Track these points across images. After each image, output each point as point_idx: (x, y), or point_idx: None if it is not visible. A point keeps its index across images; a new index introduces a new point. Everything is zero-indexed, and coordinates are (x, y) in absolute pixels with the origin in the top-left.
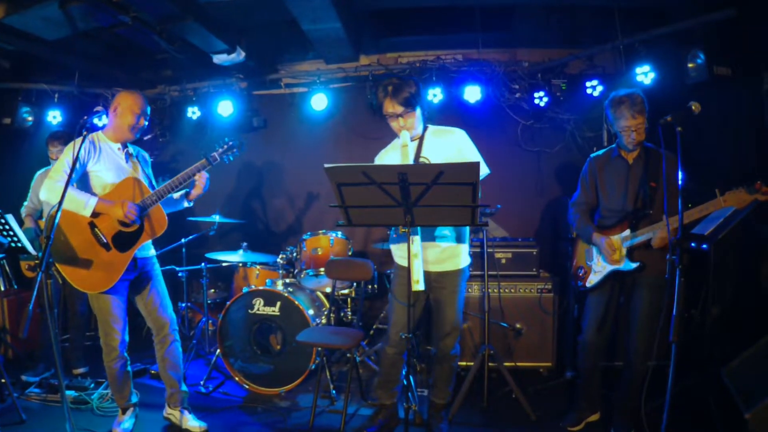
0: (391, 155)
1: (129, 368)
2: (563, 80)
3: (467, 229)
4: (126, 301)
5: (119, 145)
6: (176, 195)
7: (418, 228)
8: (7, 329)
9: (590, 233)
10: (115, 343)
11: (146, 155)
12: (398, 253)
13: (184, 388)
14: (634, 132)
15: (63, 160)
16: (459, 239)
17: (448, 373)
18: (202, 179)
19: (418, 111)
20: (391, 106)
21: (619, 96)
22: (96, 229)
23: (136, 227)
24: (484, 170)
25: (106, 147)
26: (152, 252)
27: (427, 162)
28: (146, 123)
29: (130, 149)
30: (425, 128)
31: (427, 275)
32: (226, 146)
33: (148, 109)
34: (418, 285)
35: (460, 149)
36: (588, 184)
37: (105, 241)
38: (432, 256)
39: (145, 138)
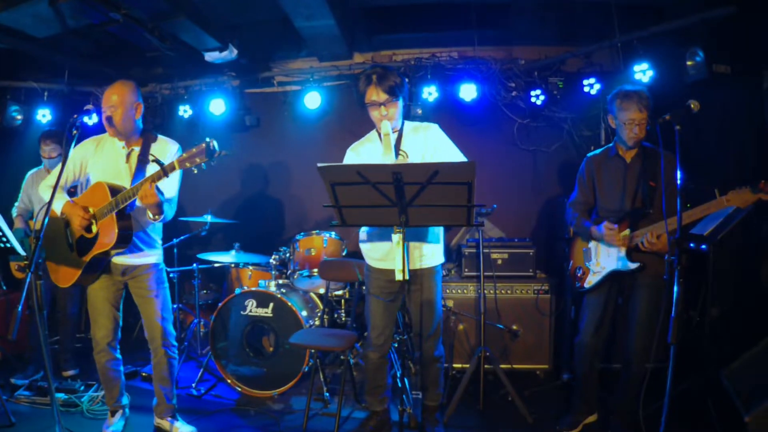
0: (368, 147)
1: (119, 368)
2: (560, 78)
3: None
4: (115, 298)
5: (123, 144)
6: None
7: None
8: None
9: (588, 228)
10: (98, 337)
11: (167, 151)
12: (370, 254)
13: (172, 402)
14: (637, 126)
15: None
16: (433, 237)
17: (436, 375)
18: (145, 194)
19: (401, 102)
20: (375, 94)
21: (627, 90)
22: (68, 229)
23: (93, 235)
24: (462, 159)
25: (110, 147)
26: (149, 260)
27: (405, 156)
28: (112, 113)
29: (137, 149)
30: (403, 123)
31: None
32: (195, 149)
33: (114, 97)
34: (402, 274)
35: (437, 146)
36: (585, 184)
37: (70, 242)
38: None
39: None
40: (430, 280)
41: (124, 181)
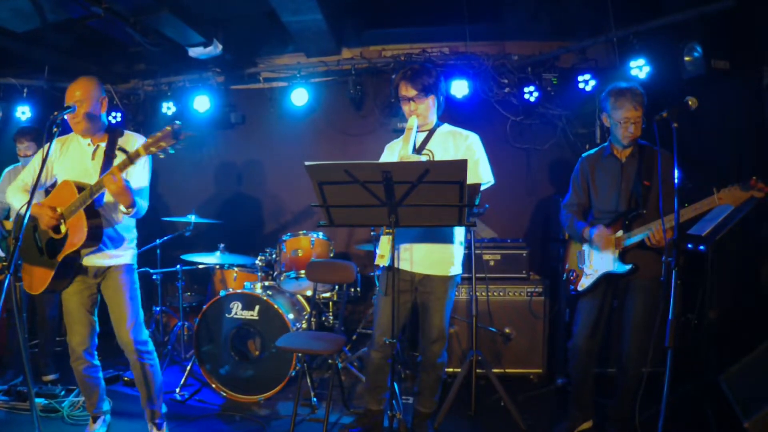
0: (396, 147)
1: (98, 374)
2: (554, 74)
3: (461, 233)
4: (90, 303)
5: (89, 141)
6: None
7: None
8: None
9: (581, 229)
10: (74, 344)
11: (134, 144)
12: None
13: (154, 408)
14: (633, 125)
15: (32, 163)
16: (451, 242)
17: (435, 382)
18: (108, 183)
19: (432, 99)
20: (404, 89)
21: (621, 87)
22: (36, 233)
23: (62, 235)
24: (488, 178)
25: (75, 146)
26: (120, 261)
27: (430, 155)
28: (73, 107)
29: (103, 145)
30: (440, 124)
31: (413, 276)
32: (160, 134)
33: (78, 93)
34: (384, 260)
35: (469, 156)
36: (579, 185)
37: (39, 245)
38: (419, 256)
39: None
40: (441, 287)
41: (92, 179)
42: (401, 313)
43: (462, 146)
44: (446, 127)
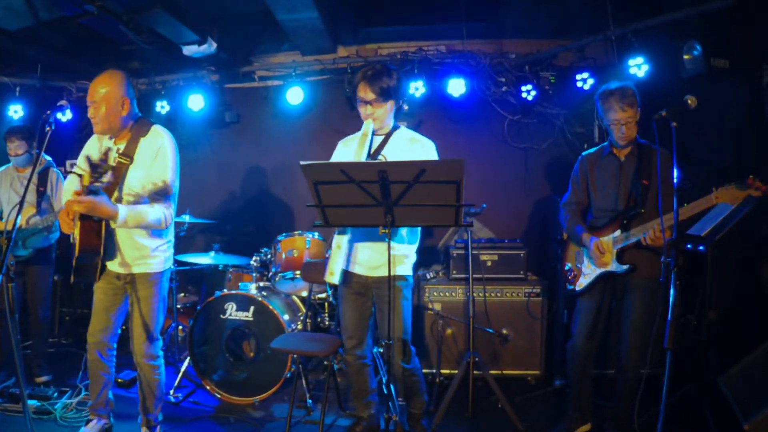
0: (351, 145)
1: (102, 374)
2: (552, 73)
3: (413, 232)
4: (112, 303)
5: (113, 139)
6: None
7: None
8: None
9: (580, 234)
10: (88, 332)
11: (153, 146)
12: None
13: (149, 416)
14: (623, 126)
15: None
16: (400, 242)
17: (414, 384)
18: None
19: (391, 104)
20: (363, 91)
21: (609, 88)
22: None
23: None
24: None
25: (94, 143)
26: (138, 269)
27: (384, 160)
28: (94, 110)
29: (122, 146)
30: (397, 127)
31: (365, 280)
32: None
33: (103, 90)
34: (333, 277)
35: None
36: (579, 184)
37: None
38: (366, 258)
39: None
40: (393, 290)
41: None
42: (365, 316)
43: (419, 154)
44: (404, 132)
